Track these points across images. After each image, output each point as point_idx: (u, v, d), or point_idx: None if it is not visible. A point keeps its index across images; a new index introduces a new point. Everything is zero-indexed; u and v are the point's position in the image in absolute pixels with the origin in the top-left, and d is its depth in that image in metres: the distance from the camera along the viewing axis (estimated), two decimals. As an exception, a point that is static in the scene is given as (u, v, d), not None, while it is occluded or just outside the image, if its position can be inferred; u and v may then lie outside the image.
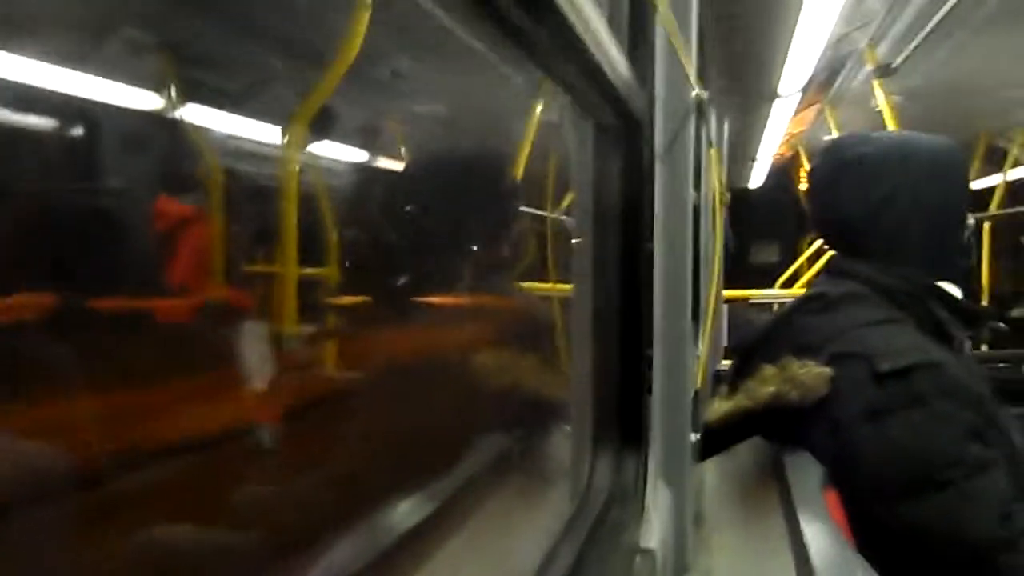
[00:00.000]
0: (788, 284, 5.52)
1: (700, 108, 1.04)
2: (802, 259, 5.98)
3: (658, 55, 1.00)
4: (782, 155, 6.14)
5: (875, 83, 3.22)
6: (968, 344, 1.39)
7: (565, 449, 1.02)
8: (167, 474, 1.05)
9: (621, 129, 0.95)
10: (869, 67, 3.23)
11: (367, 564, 0.91)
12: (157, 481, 1.02)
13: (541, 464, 1.24)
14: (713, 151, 1.31)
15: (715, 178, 1.36)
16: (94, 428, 0.89)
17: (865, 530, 1.11)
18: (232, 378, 1.35)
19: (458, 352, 1.43)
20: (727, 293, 3.58)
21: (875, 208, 1.30)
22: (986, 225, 5.17)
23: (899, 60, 3.05)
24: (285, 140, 2.27)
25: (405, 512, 1.02)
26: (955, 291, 1.31)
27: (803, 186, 6.84)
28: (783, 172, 7.02)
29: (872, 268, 1.30)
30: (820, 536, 0.96)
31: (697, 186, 1.79)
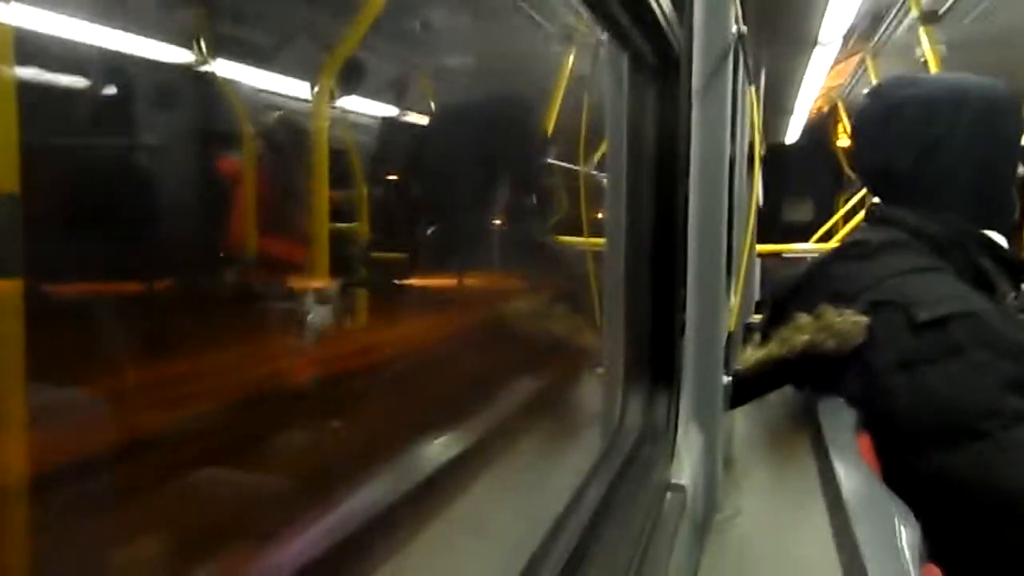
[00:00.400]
0: (823, 240, 5.43)
1: (739, 45, 1.02)
2: (838, 216, 5.87)
3: (697, -11, 0.98)
4: (819, 109, 6.00)
5: (921, 30, 3.11)
6: (1012, 294, 1.36)
7: (598, 388, 1.03)
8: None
9: (659, 66, 0.94)
10: (914, 14, 3.12)
11: (412, 489, 0.93)
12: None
13: (576, 402, 1.25)
14: (752, 91, 1.28)
15: (754, 122, 1.34)
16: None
17: (899, 476, 1.10)
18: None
19: (497, 299, 1.44)
20: (760, 248, 3.53)
21: (923, 152, 1.26)
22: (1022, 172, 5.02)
23: (945, 6, 2.95)
24: (314, 92, 2.27)
25: (444, 446, 1.05)
26: (1001, 241, 1.28)
27: (840, 142, 6.69)
28: (820, 128, 6.86)
29: (915, 215, 1.27)
30: (854, 478, 0.96)
31: (732, 136, 1.76)
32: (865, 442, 1.12)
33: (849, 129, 5.48)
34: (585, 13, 0.81)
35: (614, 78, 1.00)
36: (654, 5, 0.74)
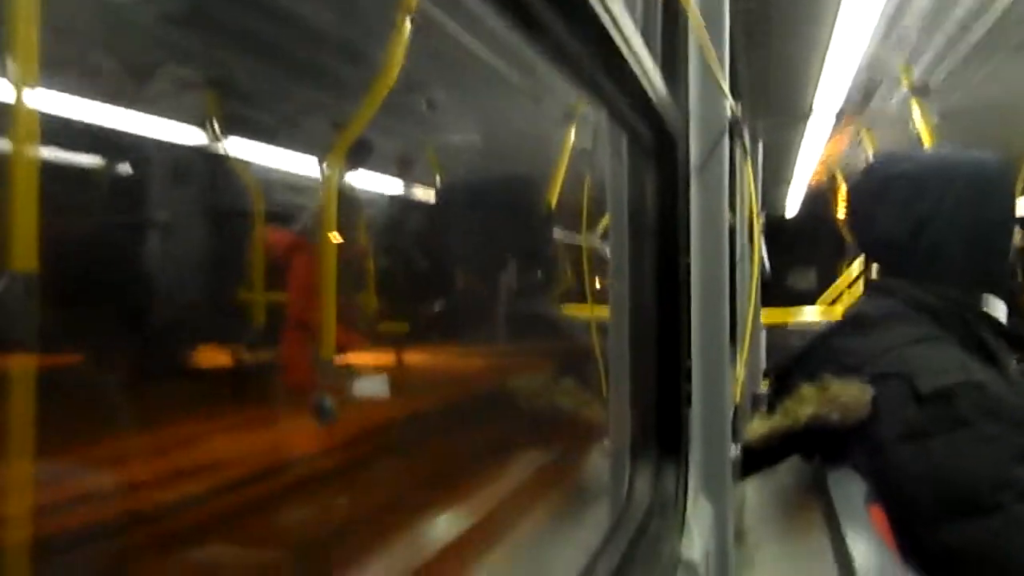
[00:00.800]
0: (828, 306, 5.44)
1: (734, 123, 1.05)
2: (842, 283, 5.90)
3: (692, 71, 1.02)
4: (819, 181, 6.09)
5: (912, 102, 3.19)
6: (1014, 364, 1.36)
7: (605, 461, 1.02)
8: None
9: (656, 144, 0.97)
10: (905, 87, 3.21)
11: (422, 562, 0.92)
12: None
13: (584, 476, 1.24)
14: (748, 164, 1.32)
15: (750, 192, 1.36)
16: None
17: (911, 548, 1.08)
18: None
19: (503, 372, 1.44)
20: (765, 317, 3.54)
21: (916, 225, 1.28)
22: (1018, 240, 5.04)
23: (936, 79, 3.03)
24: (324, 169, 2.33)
25: (451, 521, 1.03)
26: (1001, 309, 1.29)
27: (840, 211, 6.77)
28: (820, 198, 6.95)
29: (913, 286, 1.28)
30: (866, 551, 0.94)
31: (732, 207, 1.79)
32: (877, 513, 1.10)
33: (846, 199, 5.56)
34: (584, 94, 0.85)
35: (614, 155, 1.03)
36: (648, 89, 0.77)
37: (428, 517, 1.07)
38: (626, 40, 0.66)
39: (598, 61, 0.68)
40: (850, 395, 1.18)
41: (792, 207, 6.70)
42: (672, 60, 0.98)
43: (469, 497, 1.10)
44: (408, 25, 1.81)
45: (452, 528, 1.06)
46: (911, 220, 1.29)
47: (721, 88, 0.98)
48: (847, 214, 1.47)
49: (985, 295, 1.29)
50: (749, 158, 2.14)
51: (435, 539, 1.03)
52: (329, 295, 2.24)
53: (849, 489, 1.12)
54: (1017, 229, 1.36)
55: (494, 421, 1.33)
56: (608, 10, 0.59)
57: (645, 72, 0.76)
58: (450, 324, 1.61)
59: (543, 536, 1.09)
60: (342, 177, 2.46)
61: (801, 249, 7.81)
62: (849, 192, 1.46)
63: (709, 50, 0.94)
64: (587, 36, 0.63)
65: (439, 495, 1.15)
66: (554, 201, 2.40)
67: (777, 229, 5.59)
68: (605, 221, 1.13)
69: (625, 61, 0.69)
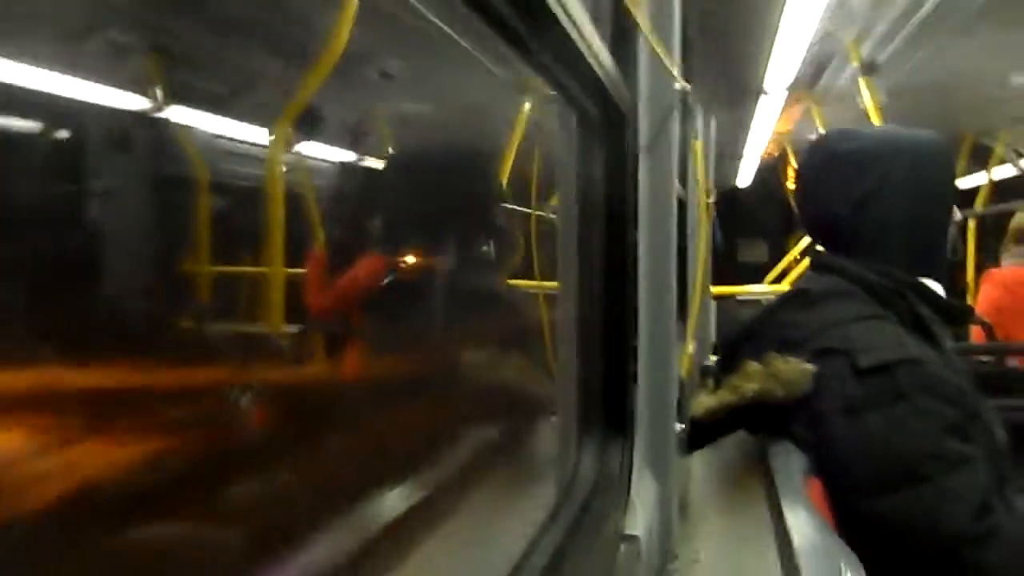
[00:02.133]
0: (776, 281, 5.56)
1: (684, 101, 1.05)
2: (790, 256, 6.02)
3: (641, 49, 1.01)
4: (770, 154, 6.18)
5: (860, 80, 3.25)
6: (950, 340, 1.40)
7: (551, 438, 1.03)
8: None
9: (605, 122, 0.97)
10: (854, 64, 3.25)
11: (358, 551, 0.92)
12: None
13: (528, 453, 1.25)
14: (698, 143, 1.32)
15: (700, 171, 1.37)
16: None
17: (846, 520, 1.12)
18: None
19: (451, 348, 1.44)
20: (715, 290, 3.60)
21: (859, 203, 1.31)
22: (971, 223, 5.21)
23: (884, 57, 3.08)
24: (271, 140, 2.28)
25: (396, 495, 1.04)
26: (938, 288, 1.32)
27: (791, 184, 6.90)
28: (771, 171, 7.06)
29: (855, 264, 1.30)
30: (803, 524, 0.97)
31: (684, 181, 1.81)
32: (816, 487, 1.13)
33: (794, 175, 5.66)
34: (532, 72, 0.84)
35: (564, 132, 1.03)
36: (597, 68, 0.76)
37: (371, 490, 1.07)
38: (572, 20, 0.65)
39: (546, 40, 0.68)
40: (793, 371, 1.21)
41: (745, 181, 6.80)
42: (622, 38, 0.97)
43: (413, 470, 1.10)
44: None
45: (395, 501, 1.06)
46: (854, 197, 1.31)
47: (669, 69, 0.98)
48: (795, 191, 1.49)
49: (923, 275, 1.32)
50: (701, 135, 2.16)
51: (377, 512, 1.03)
52: (276, 268, 2.20)
53: (789, 463, 1.15)
54: (955, 208, 1.40)
55: (442, 393, 1.33)
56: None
57: (593, 51, 0.75)
58: (397, 295, 1.60)
59: (489, 512, 1.10)
60: (289, 147, 2.41)
61: (752, 221, 7.95)
62: (797, 169, 1.48)
63: (651, 32, 0.93)
64: (534, 16, 0.62)
65: (382, 467, 1.15)
66: (505, 174, 2.39)
67: (730, 201, 5.68)
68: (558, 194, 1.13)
69: (572, 40, 0.68)
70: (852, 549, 0.93)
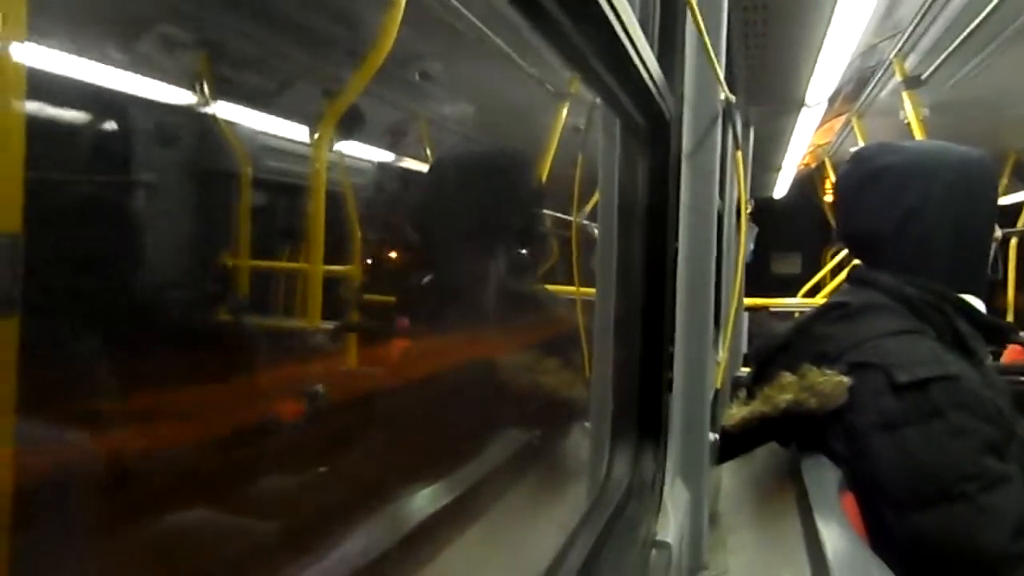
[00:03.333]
0: (810, 294, 5.49)
1: (727, 111, 1.05)
2: (825, 270, 5.95)
3: (688, 58, 1.02)
4: (807, 166, 6.11)
5: (904, 94, 3.20)
6: (989, 357, 1.38)
7: (586, 442, 1.04)
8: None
9: (650, 129, 0.97)
10: (898, 78, 3.21)
11: (393, 544, 0.93)
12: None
13: (564, 456, 1.25)
14: (739, 154, 1.32)
15: (740, 182, 1.37)
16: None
17: (881, 535, 1.11)
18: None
19: (487, 352, 1.45)
20: (748, 301, 3.57)
21: (900, 218, 1.29)
22: (1013, 241, 5.11)
23: (928, 72, 3.04)
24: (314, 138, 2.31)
25: (429, 498, 1.04)
26: (978, 304, 1.31)
27: (827, 197, 6.81)
28: (808, 183, 6.98)
29: (894, 278, 1.29)
30: (837, 538, 0.96)
31: (721, 193, 1.80)
32: (850, 501, 1.13)
33: (833, 188, 5.59)
34: (579, 76, 0.84)
35: (607, 138, 1.03)
36: (644, 75, 0.77)
37: (408, 490, 1.08)
38: (623, 24, 0.66)
39: (594, 44, 0.68)
40: (828, 383, 1.20)
41: (781, 191, 6.73)
42: (669, 45, 0.98)
43: (448, 470, 1.11)
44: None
45: (430, 501, 1.07)
46: (897, 212, 1.30)
47: (716, 75, 0.98)
48: (834, 204, 1.48)
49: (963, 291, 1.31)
50: (740, 145, 2.15)
51: (412, 512, 1.04)
52: (316, 265, 2.23)
53: (822, 476, 1.14)
54: (997, 225, 1.38)
55: (479, 395, 1.34)
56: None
57: (641, 57, 0.75)
58: (437, 299, 1.61)
59: (523, 516, 1.11)
60: (332, 146, 2.45)
61: (787, 233, 7.85)
62: (836, 182, 1.46)
63: (705, 36, 0.93)
64: (584, 19, 0.62)
65: (420, 467, 1.16)
66: (544, 179, 2.40)
67: (765, 212, 5.62)
68: (594, 201, 1.13)
69: (622, 45, 0.69)
70: (887, 565, 0.92)
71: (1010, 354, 2.61)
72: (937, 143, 1.39)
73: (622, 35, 0.66)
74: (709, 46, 0.94)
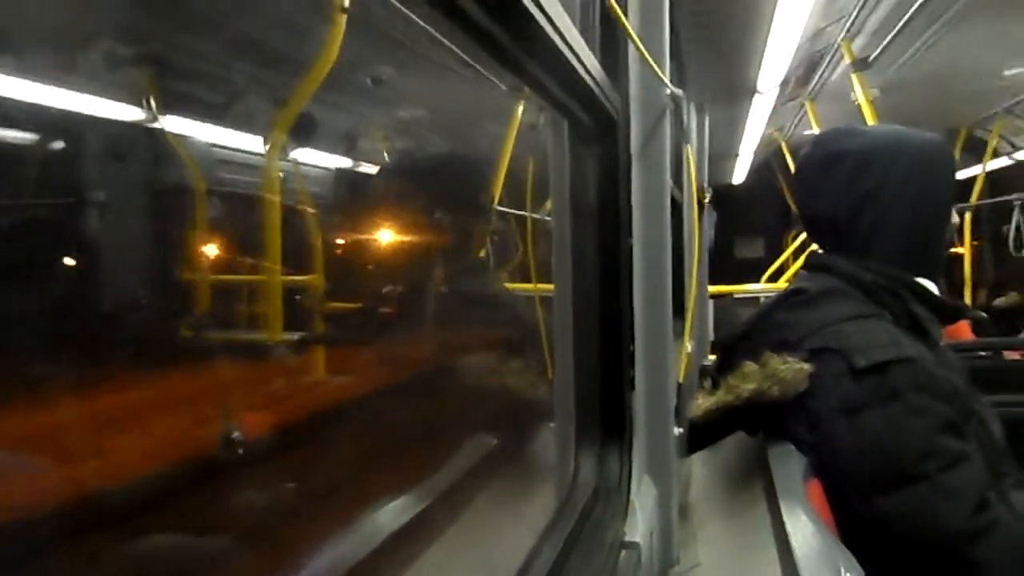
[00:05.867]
0: (773, 279, 5.55)
1: (675, 106, 1.05)
2: (787, 254, 6.02)
3: (631, 56, 1.01)
4: (765, 151, 6.18)
5: (853, 77, 3.24)
6: (944, 338, 1.40)
7: (550, 445, 1.03)
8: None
9: (596, 128, 0.97)
10: (846, 61, 3.25)
11: (365, 553, 0.91)
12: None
13: (527, 460, 1.25)
14: (689, 148, 1.32)
15: (692, 174, 1.37)
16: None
17: (846, 519, 1.12)
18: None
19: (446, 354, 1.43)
20: (712, 289, 3.60)
21: (858, 202, 1.30)
22: (967, 216, 5.22)
23: (875, 54, 3.08)
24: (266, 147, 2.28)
25: (397, 503, 1.03)
26: (932, 287, 1.32)
27: (785, 180, 6.91)
28: (766, 167, 7.06)
29: (851, 263, 1.30)
30: (802, 527, 0.97)
31: (679, 182, 1.81)
32: (816, 488, 1.13)
33: (792, 173, 5.66)
34: (522, 82, 0.84)
35: (556, 138, 1.03)
36: (585, 76, 0.76)
37: (372, 499, 1.07)
38: (557, 29, 0.65)
39: (532, 49, 0.67)
40: (789, 370, 1.21)
41: (739, 177, 6.79)
42: (611, 46, 0.97)
43: (413, 477, 1.10)
44: (343, 13, 1.77)
45: (396, 510, 1.06)
46: (854, 196, 1.31)
47: (658, 75, 0.98)
48: (793, 186, 1.48)
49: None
50: (695, 135, 2.16)
51: (380, 521, 1.03)
52: (274, 276, 2.20)
53: (788, 464, 1.15)
54: (953, 210, 1.40)
55: (444, 397, 1.33)
56: (541, 8, 0.58)
57: (581, 60, 0.75)
58: (398, 302, 1.59)
59: (490, 520, 1.10)
60: (285, 154, 2.41)
61: (749, 218, 7.94)
62: (795, 165, 1.46)
63: (637, 41, 0.93)
64: (518, 25, 0.61)
65: (385, 472, 1.14)
66: (500, 181, 2.39)
67: (725, 198, 5.67)
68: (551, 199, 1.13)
69: (559, 50, 0.68)
70: (852, 549, 0.93)
71: (952, 331, 2.66)
72: (897, 128, 1.39)
73: (557, 40, 0.66)
74: (650, 44, 0.93)
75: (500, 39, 0.61)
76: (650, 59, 0.92)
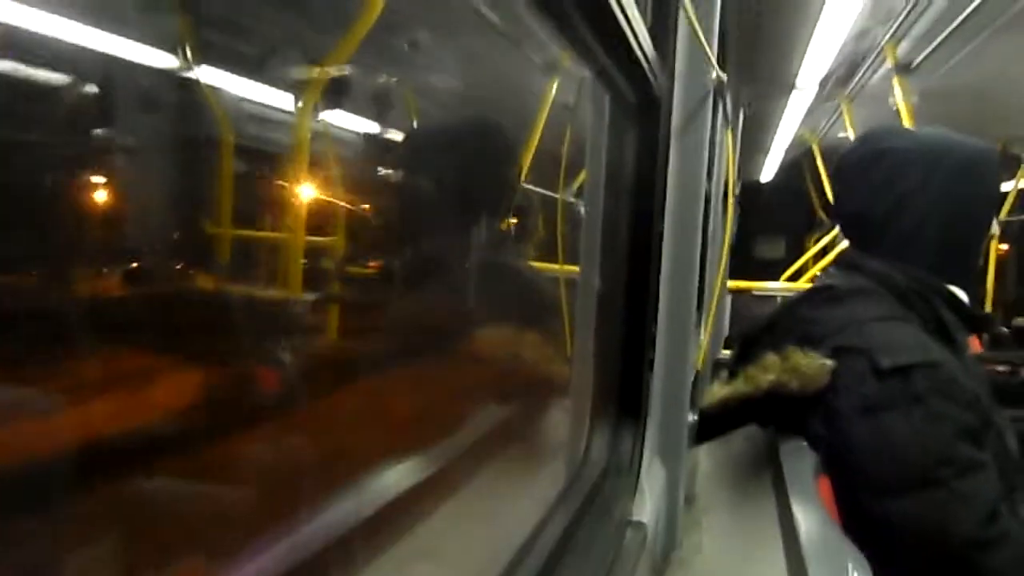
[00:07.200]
0: (792, 279, 5.52)
1: (719, 90, 1.04)
2: (808, 255, 5.97)
3: (680, 35, 1.00)
4: (796, 151, 6.11)
5: (894, 80, 3.20)
6: (970, 347, 1.38)
7: (565, 420, 1.03)
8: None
9: (640, 106, 0.95)
10: (889, 64, 3.20)
11: (371, 515, 0.92)
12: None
13: (542, 433, 1.25)
14: (728, 133, 1.31)
15: (730, 163, 1.36)
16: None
17: (855, 519, 1.12)
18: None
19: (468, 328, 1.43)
20: (732, 284, 3.58)
21: (896, 202, 1.29)
22: (996, 230, 5.15)
23: (919, 59, 3.03)
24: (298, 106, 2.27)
25: (404, 470, 1.03)
26: (962, 295, 1.31)
27: (813, 182, 6.83)
28: (794, 167, 6.99)
29: (883, 264, 1.29)
30: (811, 521, 0.97)
31: (709, 174, 1.79)
32: (825, 485, 1.13)
33: (823, 171, 5.59)
34: (570, 50, 0.83)
35: (596, 114, 1.02)
36: (637, 50, 0.75)
37: (382, 462, 1.07)
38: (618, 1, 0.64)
39: (587, 17, 0.67)
40: (811, 366, 1.20)
41: (767, 175, 6.73)
42: (661, 20, 0.96)
43: (421, 444, 1.10)
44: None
45: (406, 474, 1.06)
46: (891, 196, 1.29)
47: (707, 55, 0.96)
48: (831, 182, 1.46)
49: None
50: (730, 127, 2.14)
51: (388, 485, 1.03)
52: (299, 235, 2.20)
53: (800, 460, 1.15)
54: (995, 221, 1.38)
55: (454, 371, 1.33)
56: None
57: (634, 32, 0.74)
58: (419, 269, 1.59)
59: (498, 490, 1.10)
60: (316, 114, 2.41)
61: (772, 217, 7.88)
62: (839, 160, 1.44)
63: (694, 17, 0.92)
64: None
65: (396, 436, 1.15)
66: (531, 154, 2.37)
67: (751, 195, 5.63)
68: (581, 178, 1.12)
69: (615, 19, 0.67)
70: (859, 549, 0.93)
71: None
72: (945, 133, 1.36)
73: (615, 7, 0.64)
74: (698, 28, 0.92)
75: (559, 3, 0.60)
76: (702, 37, 0.91)
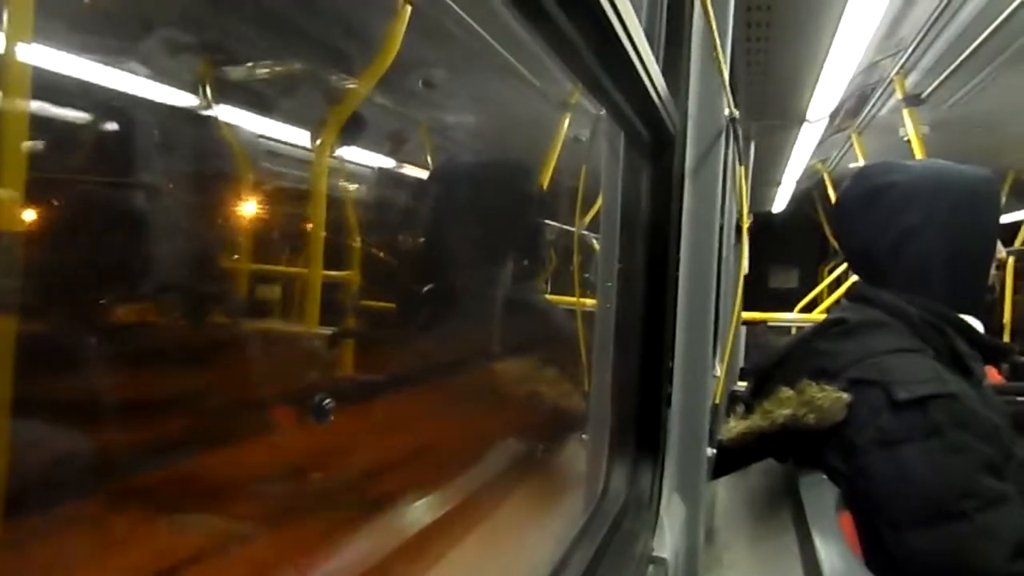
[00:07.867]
0: (807, 310, 5.50)
1: (732, 126, 1.05)
2: (822, 286, 5.96)
3: (692, 72, 1.02)
4: (807, 183, 6.13)
5: (904, 112, 3.21)
6: (987, 378, 1.38)
7: (583, 455, 1.03)
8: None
9: (654, 143, 0.97)
10: (898, 96, 3.22)
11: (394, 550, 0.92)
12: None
13: (561, 469, 1.25)
14: (741, 169, 1.32)
15: (741, 197, 1.37)
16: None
17: (877, 554, 1.11)
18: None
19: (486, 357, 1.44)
20: (746, 315, 3.57)
21: (901, 236, 1.29)
22: (1010, 260, 5.12)
23: (928, 90, 3.05)
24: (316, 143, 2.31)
25: (427, 507, 1.04)
26: (976, 324, 1.31)
27: (825, 212, 6.84)
28: (806, 198, 7.00)
29: (894, 296, 1.29)
30: (833, 556, 0.96)
31: (721, 207, 1.80)
32: (847, 519, 1.12)
33: (834, 204, 5.60)
34: (584, 89, 0.84)
35: (610, 151, 1.03)
36: (650, 89, 0.77)
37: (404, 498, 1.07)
38: (631, 38, 0.66)
39: (601, 57, 0.68)
40: (827, 399, 1.20)
41: (779, 207, 6.75)
42: (674, 59, 0.98)
43: (444, 481, 1.10)
44: (408, 8, 1.79)
45: (427, 510, 1.06)
46: (894, 231, 1.30)
47: (724, 87, 0.98)
48: (835, 218, 1.47)
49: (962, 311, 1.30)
50: (742, 164, 2.15)
51: (411, 519, 1.04)
52: (316, 270, 2.22)
53: (820, 494, 1.14)
54: (999, 246, 1.38)
55: (474, 408, 1.33)
56: (614, 6, 0.59)
57: (647, 71, 0.75)
58: (438, 306, 1.60)
59: (517, 527, 1.10)
60: (334, 151, 2.44)
61: (785, 248, 7.88)
62: (839, 197, 1.46)
63: (715, 50, 0.93)
64: (591, 31, 0.62)
65: (417, 471, 1.15)
66: (545, 188, 2.40)
67: (763, 227, 5.64)
68: (594, 212, 1.13)
69: (629, 59, 0.69)
70: (883, 585, 0.92)
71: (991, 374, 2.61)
72: (942, 163, 1.38)
73: (629, 49, 0.66)
74: (720, 54, 0.94)
75: (571, 42, 0.62)
76: (722, 68, 0.92)
